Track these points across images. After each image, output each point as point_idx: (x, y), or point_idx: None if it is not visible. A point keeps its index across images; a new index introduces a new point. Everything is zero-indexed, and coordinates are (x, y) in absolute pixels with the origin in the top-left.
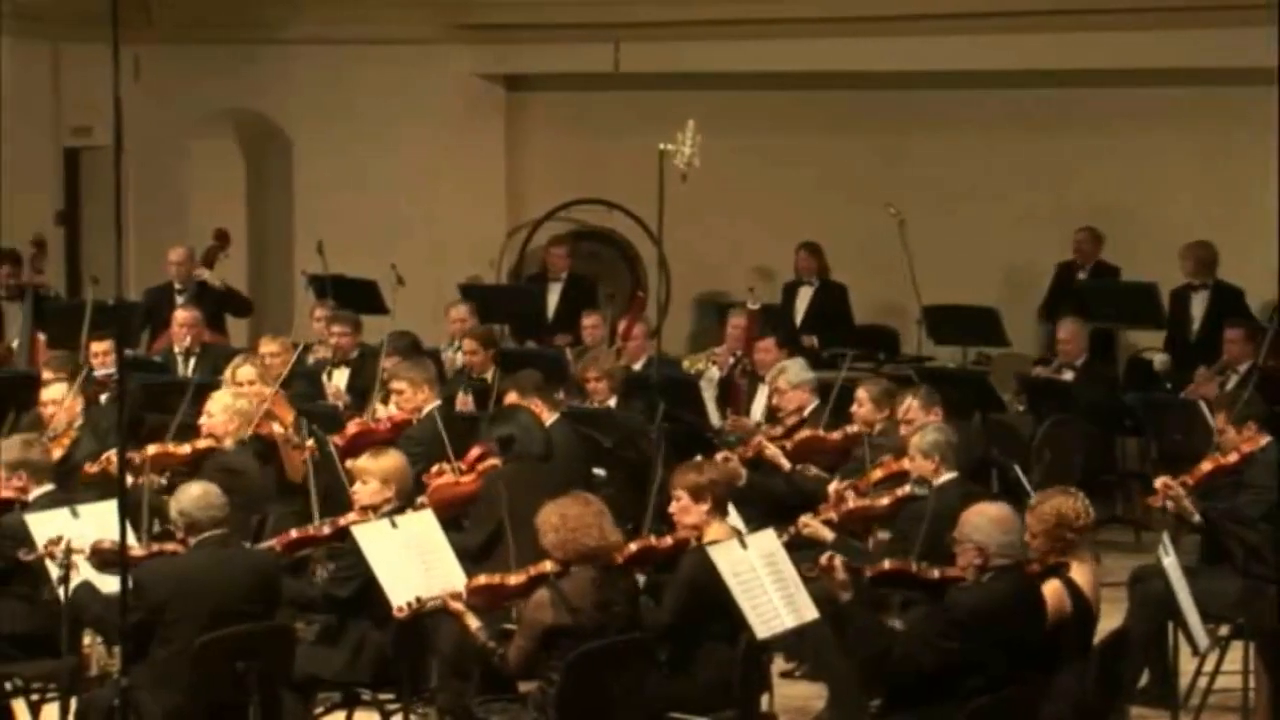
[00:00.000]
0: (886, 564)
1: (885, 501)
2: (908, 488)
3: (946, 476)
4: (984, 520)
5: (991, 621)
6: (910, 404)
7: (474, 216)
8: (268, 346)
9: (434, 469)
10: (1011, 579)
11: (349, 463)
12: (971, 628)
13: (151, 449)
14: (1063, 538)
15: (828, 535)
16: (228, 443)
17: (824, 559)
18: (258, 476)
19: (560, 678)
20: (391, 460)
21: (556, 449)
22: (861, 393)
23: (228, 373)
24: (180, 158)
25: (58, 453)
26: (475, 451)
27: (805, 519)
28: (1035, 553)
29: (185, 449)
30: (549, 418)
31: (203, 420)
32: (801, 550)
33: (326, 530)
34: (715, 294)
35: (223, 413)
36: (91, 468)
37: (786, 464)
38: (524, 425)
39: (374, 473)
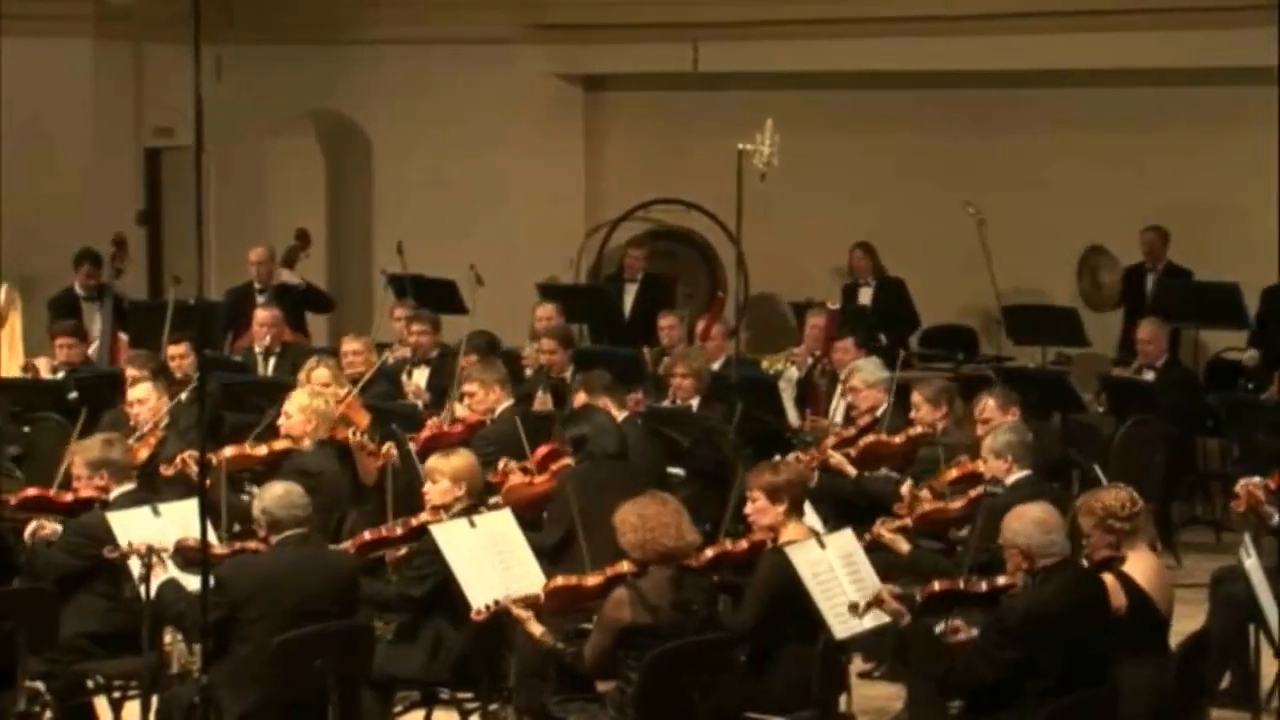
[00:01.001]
0: (936, 585)
1: (959, 504)
2: (981, 489)
3: (1019, 475)
4: (1024, 523)
5: (1046, 624)
6: (987, 404)
7: (552, 216)
8: (350, 345)
9: (500, 467)
10: (1061, 577)
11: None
12: (1027, 633)
13: (229, 450)
14: (1112, 529)
15: (903, 547)
16: (306, 443)
17: (870, 596)
18: (336, 477)
19: (639, 677)
20: (461, 459)
21: (632, 448)
22: (916, 396)
23: (302, 374)
24: (261, 158)
25: (144, 453)
26: (543, 450)
27: (879, 528)
28: (1090, 549)
29: (262, 450)
30: (618, 416)
31: (280, 421)
32: (877, 552)
33: (399, 531)
34: (794, 294)
35: (300, 413)
36: (167, 470)
37: (852, 471)
38: (598, 425)
39: (445, 472)
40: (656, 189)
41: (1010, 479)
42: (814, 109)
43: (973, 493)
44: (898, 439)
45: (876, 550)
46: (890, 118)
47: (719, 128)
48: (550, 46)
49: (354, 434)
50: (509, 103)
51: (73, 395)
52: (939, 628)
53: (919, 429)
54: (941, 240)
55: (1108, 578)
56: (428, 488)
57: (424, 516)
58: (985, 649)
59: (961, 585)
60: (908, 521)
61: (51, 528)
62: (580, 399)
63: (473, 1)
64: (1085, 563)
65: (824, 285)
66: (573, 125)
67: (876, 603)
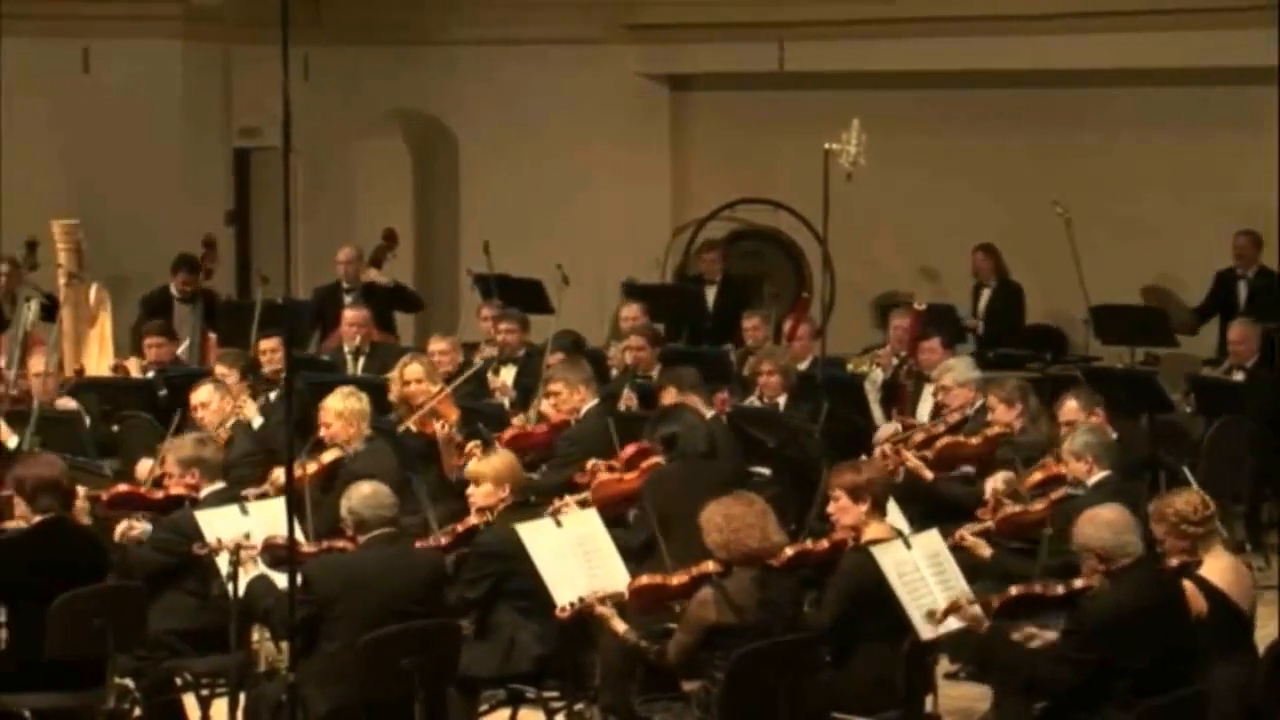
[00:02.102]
0: (1012, 591)
1: (1040, 507)
2: (1062, 491)
3: (1100, 475)
4: (1096, 526)
5: (1124, 625)
6: (1069, 405)
7: (639, 216)
8: (436, 345)
9: (590, 464)
10: (1137, 577)
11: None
12: (1105, 635)
13: (276, 472)
14: (1185, 534)
15: (985, 552)
16: (354, 445)
17: (949, 601)
18: (393, 473)
19: (724, 677)
20: (502, 460)
21: (722, 448)
22: (991, 398)
23: (395, 370)
24: (348, 158)
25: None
26: (631, 449)
27: (962, 532)
28: (1165, 555)
29: (312, 467)
30: (706, 415)
31: (322, 432)
32: (962, 552)
33: (454, 534)
34: (881, 294)
35: (338, 419)
36: (252, 493)
37: (929, 474)
38: (688, 424)
39: (487, 475)
40: (742, 189)
41: (1091, 480)
42: (900, 108)
43: (1054, 495)
44: (975, 440)
45: (961, 550)
46: (977, 117)
47: (805, 127)
48: (637, 46)
49: (443, 427)
50: (595, 103)
51: (162, 393)
52: (1016, 635)
53: (996, 429)
54: (1028, 240)
55: (1185, 584)
56: (471, 490)
57: (471, 520)
58: (1066, 653)
59: (1039, 589)
60: (990, 525)
61: (141, 528)
62: (670, 395)
63: (560, 2)
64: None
65: (910, 284)
66: (659, 125)
67: (953, 610)
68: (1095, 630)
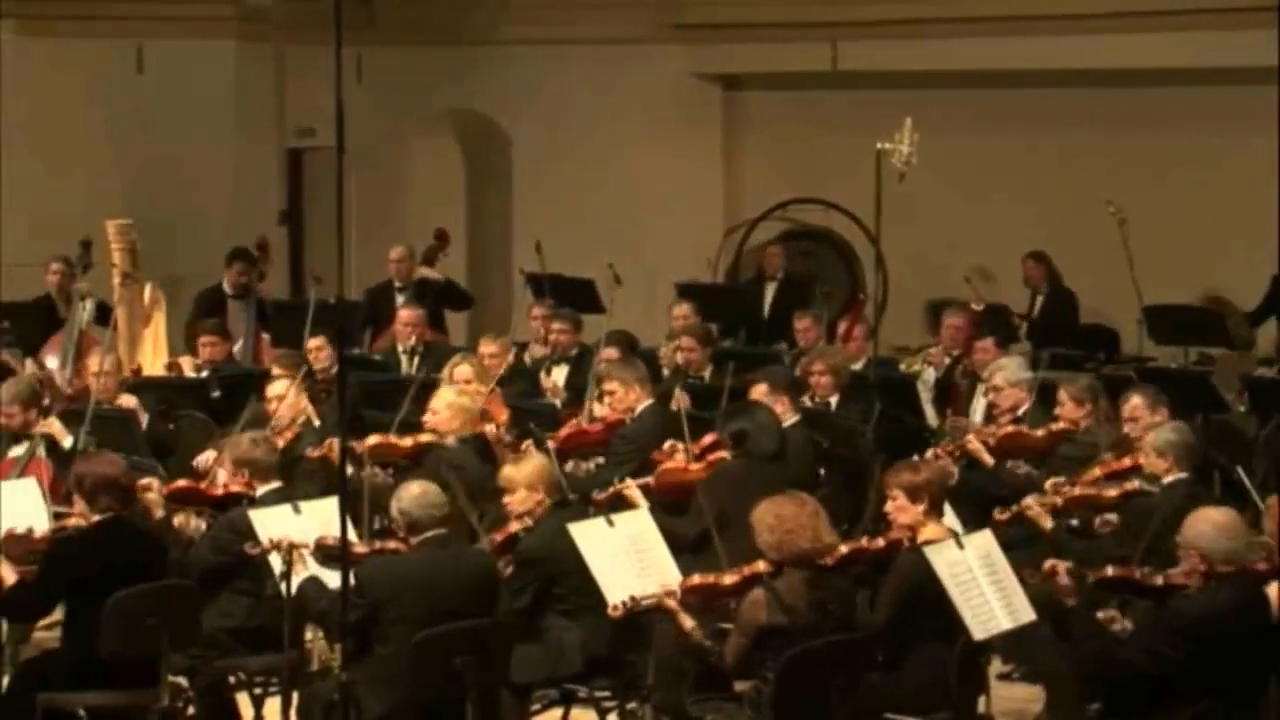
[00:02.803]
0: (1110, 570)
1: (1113, 493)
2: (1136, 483)
3: (1176, 476)
4: (1208, 527)
5: (1214, 632)
6: (1135, 403)
7: (691, 216)
8: (487, 347)
9: (666, 446)
10: (1235, 586)
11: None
12: (1194, 637)
13: (373, 439)
14: None
15: (1047, 523)
16: (450, 439)
17: (1048, 565)
18: (478, 472)
19: (776, 677)
20: (532, 465)
21: (790, 451)
22: (1062, 393)
23: (445, 371)
24: (401, 158)
25: (280, 442)
26: (707, 440)
27: (1029, 501)
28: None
29: (407, 442)
30: (789, 419)
31: (427, 417)
32: (1016, 550)
33: (498, 538)
34: (933, 294)
35: (447, 409)
36: (314, 452)
37: (989, 459)
38: (760, 422)
39: (519, 481)
40: (795, 188)
41: (1167, 479)
42: (953, 108)
43: (1128, 485)
44: (1039, 432)
45: (1013, 550)
46: (1030, 116)
47: (858, 127)
48: (689, 46)
49: (494, 428)
50: (648, 102)
51: (216, 394)
52: (1100, 614)
53: (1061, 424)
54: (1082, 239)
55: (1271, 586)
56: (507, 499)
57: (512, 526)
58: (1149, 643)
59: (1137, 575)
60: (1058, 500)
61: (195, 524)
62: (760, 392)
63: (613, 2)
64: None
65: (963, 284)
66: (711, 125)
67: (1049, 576)
68: (1184, 630)
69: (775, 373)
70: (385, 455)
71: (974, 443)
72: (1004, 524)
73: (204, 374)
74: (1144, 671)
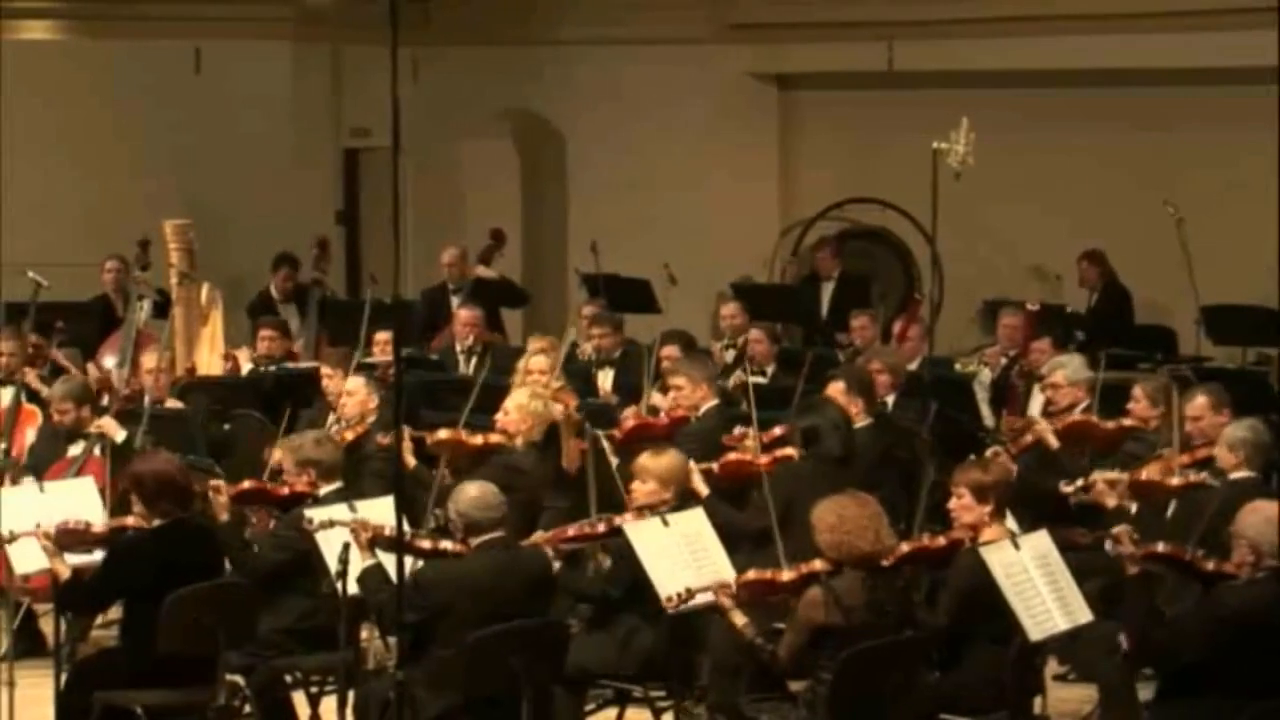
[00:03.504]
0: (1160, 547)
1: (1176, 482)
2: (1203, 475)
3: (1243, 474)
4: (1260, 519)
5: (1256, 623)
6: (1200, 402)
7: (747, 215)
8: (536, 344)
9: (736, 431)
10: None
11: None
12: (1235, 627)
13: (443, 433)
14: None
15: (1111, 501)
16: (518, 441)
17: (1116, 530)
18: (539, 477)
19: (832, 677)
20: (671, 460)
21: (860, 455)
22: (1138, 389)
23: (521, 362)
24: (457, 158)
25: (349, 434)
26: (779, 430)
27: (1096, 476)
28: None
29: (477, 439)
30: (861, 421)
31: (498, 416)
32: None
33: (601, 528)
34: (989, 293)
35: (517, 411)
36: (384, 438)
37: (1054, 442)
38: (831, 421)
39: (653, 473)
40: (851, 188)
41: (1233, 475)
42: (1010, 107)
43: (1194, 476)
44: (1109, 424)
45: (1068, 551)
46: (1087, 115)
47: (913, 127)
48: (745, 46)
49: (562, 408)
50: (703, 102)
51: (269, 386)
52: (1116, 530)
53: (1132, 421)
54: (1139, 239)
55: None
56: (635, 485)
57: (628, 517)
58: (1193, 628)
59: (1188, 557)
60: (1125, 479)
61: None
62: (838, 390)
63: (667, 1)
64: None
65: (1020, 285)
66: (767, 124)
67: (1118, 540)
68: (1226, 618)
69: (853, 371)
70: (453, 450)
71: (1042, 423)
72: (1069, 496)
73: (262, 368)
74: (1181, 655)
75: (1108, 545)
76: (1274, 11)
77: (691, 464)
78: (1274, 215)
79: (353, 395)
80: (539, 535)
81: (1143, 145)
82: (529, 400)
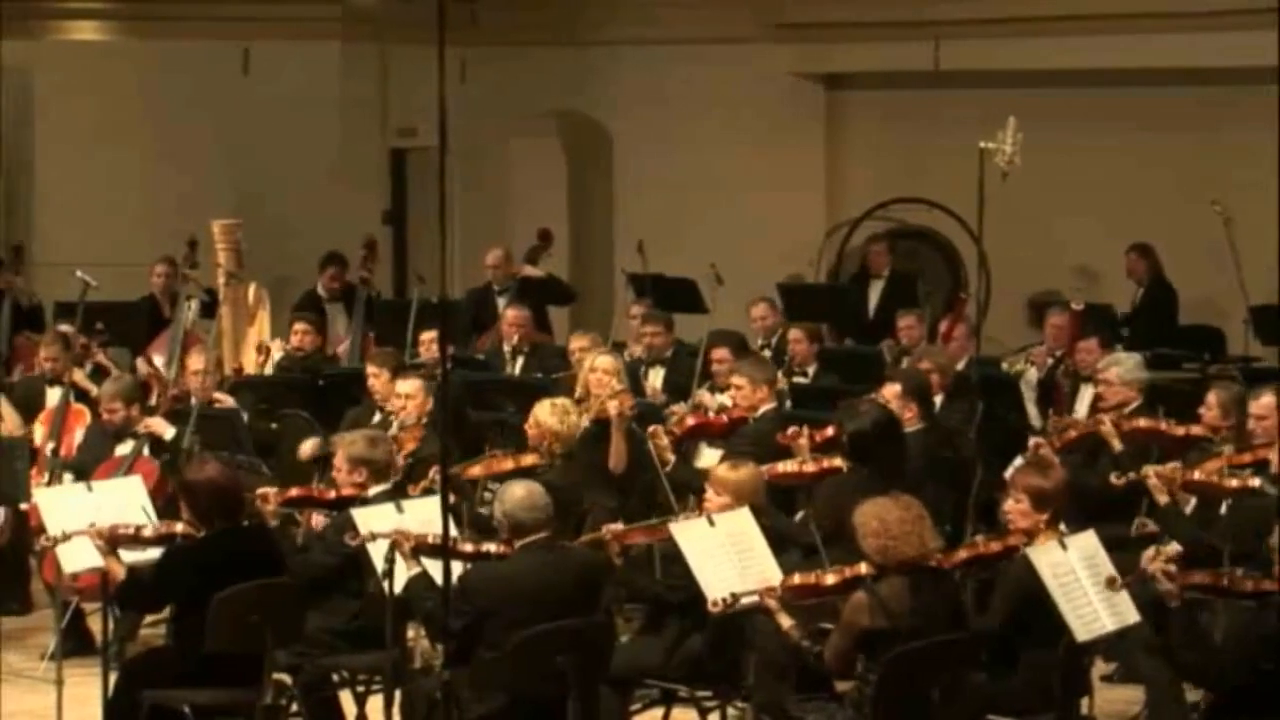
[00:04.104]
0: (1197, 576)
1: (1234, 484)
2: (1258, 481)
3: None
4: None
5: None
6: (1266, 402)
7: (793, 215)
8: (577, 342)
9: (790, 430)
10: None
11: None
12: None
13: (476, 469)
14: None
15: (1163, 497)
16: (555, 448)
17: (1148, 553)
18: (574, 491)
19: (878, 678)
20: (746, 474)
21: (910, 460)
22: (1211, 396)
23: (588, 361)
24: (504, 157)
25: (410, 446)
26: (830, 431)
27: (1149, 470)
28: None
29: (508, 464)
30: (914, 425)
31: (529, 427)
32: (1119, 551)
33: (664, 531)
34: (1036, 293)
35: (536, 428)
36: (414, 490)
37: (1118, 444)
38: (878, 424)
39: (729, 486)
40: (897, 188)
41: None
42: (1057, 107)
43: (1251, 481)
44: (1179, 431)
45: (1115, 551)
46: (1134, 115)
47: (960, 126)
48: (791, 45)
49: (616, 404)
50: (750, 102)
51: (321, 382)
52: (1147, 555)
53: (1201, 429)
54: (1186, 239)
55: None
56: (709, 495)
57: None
58: (1242, 652)
59: (1225, 582)
60: (1178, 476)
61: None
62: (892, 392)
63: (713, 1)
64: None
65: (1067, 285)
66: (814, 124)
67: (1149, 577)
68: (1274, 636)
69: (910, 376)
70: (488, 477)
71: (1108, 424)
72: (1119, 488)
73: (290, 356)
74: (1237, 681)
75: (1146, 561)
76: None
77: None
78: None
79: (412, 398)
80: (608, 528)
81: (1190, 145)
82: (548, 417)
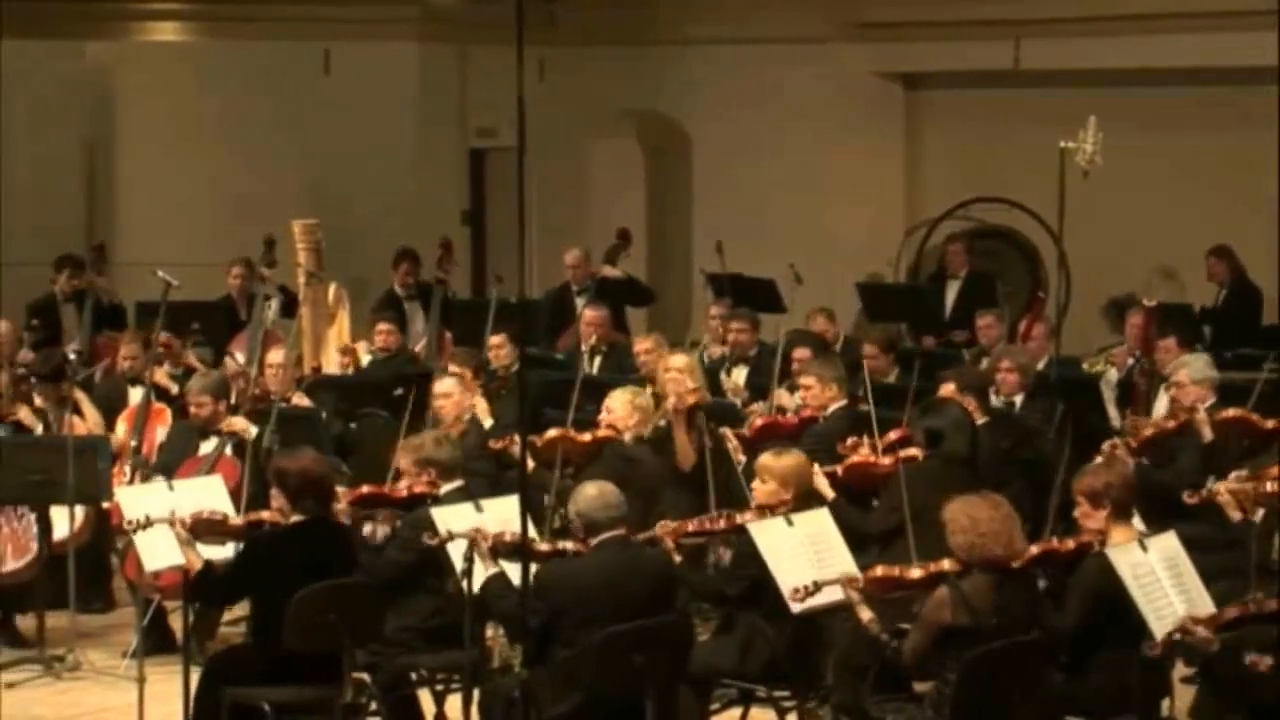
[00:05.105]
0: (1230, 612)
1: None
2: None
3: None
4: None
5: None
6: None
7: (872, 215)
8: (642, 344)
9: (850, 441)
10: None
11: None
12: None
13: (552, 431)
14: None
15: (1235, 515)
16: (626, 437)
17: (1184, 631)
18: (654, 467)
19: (957, 677)
20: (793, 460)
21: (981, 453)
22: None
23: (662, 361)
24: (582, 157)
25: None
26: (895, 434)
27: (1219, 486)
28: None
29: (585, 436)
30: (978, 419)
31: (603, 415)
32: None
33: (722, 524)
34: (1117, 293)
35: (623, 408)
36: (496, 444)
37: (1209, 434)
38: (955, 421)
39: (775, 473)
40: (976, 187)
41: None
42: (1137, 106)
43: None
44: (1269, 423)
45: (1194, 550)
46: (1216, 115)
47: (1040, 125)
48: (871, 45)
49: (676, 402)
50: (829, 101)
51: (398, 391)
52: (1247, 660)
53: None
54: (1268, 238)
55: None
56: (756, 485)
57: (749, 515)
58: None
59: (1251, 609)
60: (1249, 489)
61: (383, 530)
62: (948, 389)
63: (792, 1)
64: None
65: (1147, 284)
66: (892, 123)
67: (1181, 632)
68: None
69: (965, 373)
70: (564, 448)
71: (1202, 413)
72: (1192, 507)
73: (376, 358)
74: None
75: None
76: None
77: (815, 468)
78: None
79: (448, 397)
80: (660, 526)
81: (1271, 143)
82: (633, 397)
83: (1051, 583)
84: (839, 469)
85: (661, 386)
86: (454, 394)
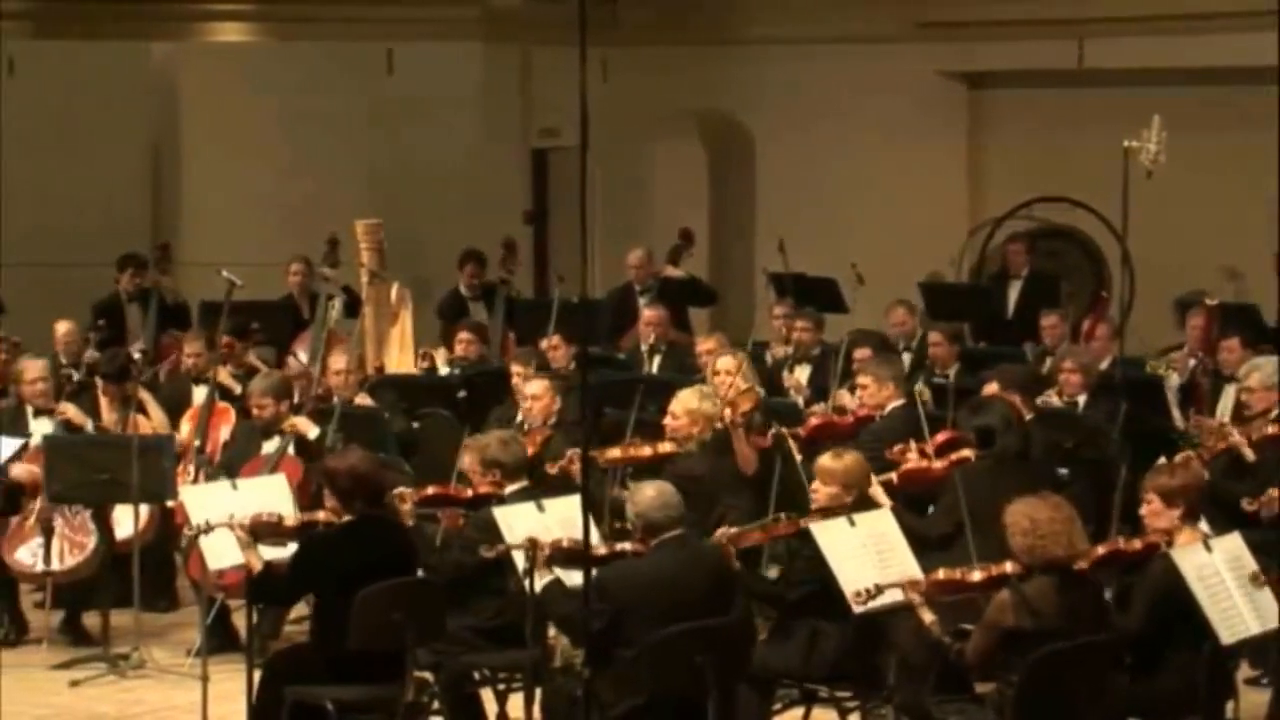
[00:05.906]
0: None
1: None
2: None
3: None
4: None
5: None
6: None
7: (935, 214)
8: (704, 345)
9: (897, 448)
10: None
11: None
12: None
13: (614, 452)
14: None
15: None
16: (690, 445)
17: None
18: (714, 479)
19: (1021, 679)
20: (853, 461)
21: (1034, 449)
22: None
23: (711, 363)
24: (645, 157)
25: (531, 449)
26: (942, 437)
27: (1274, 492)
28: None
29: (646, 451)
30: (1026, 415)
31: (666, 420)
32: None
33: (783, 528)
34: (1181, 293)
35: (686, 415)
36: (552, 468)
37: (1250, 455)
38: (1004, 419)
39: (836, 475)
40: (1040, 187)
41: None
42: (1202, 105)
43: None
44: None
45: (1261, 555)
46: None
47: (1104, 125)
48: (933, 44)
49: (730, 411)
50: (892, 101)
51: (462, 394)
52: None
53: None
54: None
55: None
56: (815, 486)
57: (811, 520)
58: None
59: None
60: None
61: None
62: (991, 389)
63: (856, 0)
64: None
65: (1212, 284)
66: (956, 123)
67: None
68: None
69: (1007, 371)
70: (624, 464)
71: (1236, 435)
72: (1251, 514)
73: (455, 370)
74: None
75: None
76: None
77: (872, 477)
78: None
79: (538, 399)
80: (721, 532)
81: None
82: (699, 402)
83: (1115, 584)
84: (894, 476)
85: (716, 389)
86: (544, 396)
